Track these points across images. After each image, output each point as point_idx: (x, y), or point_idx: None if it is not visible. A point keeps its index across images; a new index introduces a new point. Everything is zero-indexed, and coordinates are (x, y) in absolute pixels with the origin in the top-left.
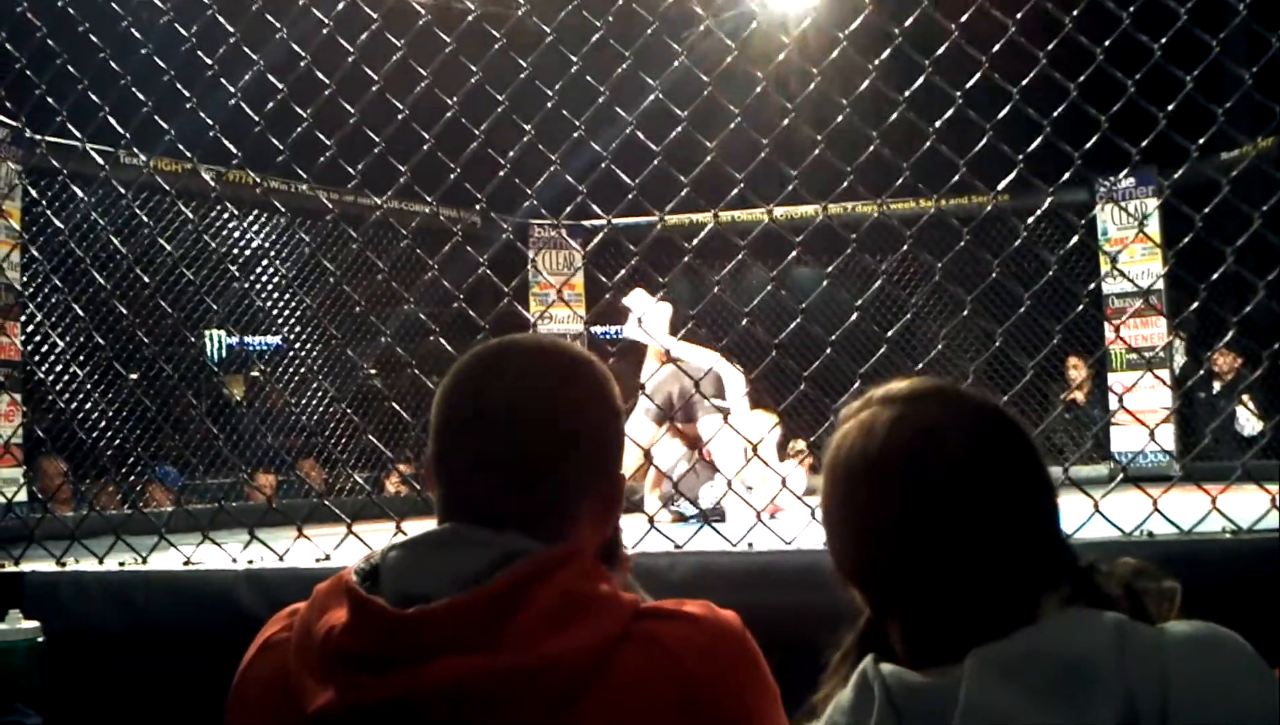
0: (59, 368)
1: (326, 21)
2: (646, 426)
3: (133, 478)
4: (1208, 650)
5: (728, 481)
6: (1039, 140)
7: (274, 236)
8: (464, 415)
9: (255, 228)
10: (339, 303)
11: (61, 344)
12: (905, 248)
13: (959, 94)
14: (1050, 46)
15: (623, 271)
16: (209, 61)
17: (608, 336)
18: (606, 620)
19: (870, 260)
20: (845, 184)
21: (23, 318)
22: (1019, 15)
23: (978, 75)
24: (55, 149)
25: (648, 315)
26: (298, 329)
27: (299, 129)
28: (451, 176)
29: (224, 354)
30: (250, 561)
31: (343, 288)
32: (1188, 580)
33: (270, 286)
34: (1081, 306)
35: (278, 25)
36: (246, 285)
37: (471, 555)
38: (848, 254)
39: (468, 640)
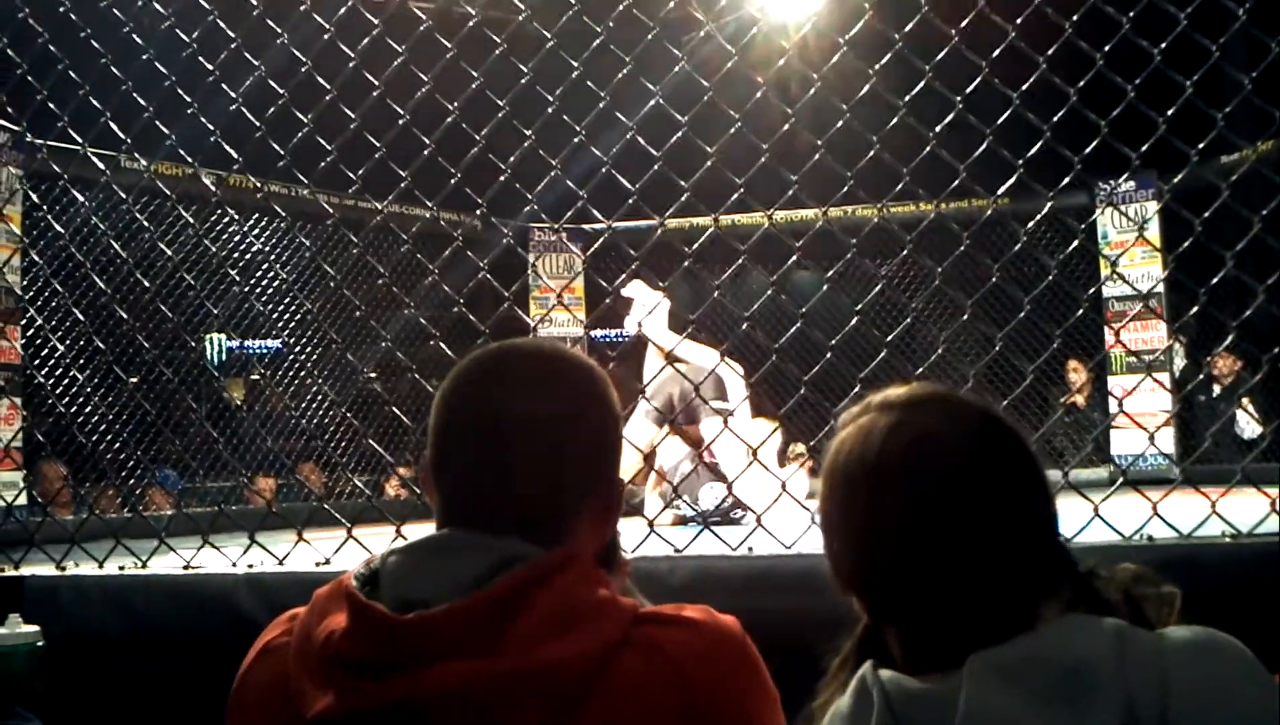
0: (59, 372)
1: (327, 26)
2: (647, 428)
3: (133, 481)
4: (1207, 655)
5: (728, 485)
6: (1039, 145)
7: (275, 241)
8: (463, 419)
9: (256, 232)
10: (339, 307)
11: (62, 348)
12: (905, 252)
13: (959, 98)
14: (1050, 51)
15: (623, 276)
16: (210, 67)
17: (607, 340)
18: (606, 625)
19: (870, 264)
20: (845, 188)
21: (23, 322)
22: (1019, 20)
23: (978, 80)
24: (56, 153)
25: (648, 315)
26: (298, 333)
27: (300, 134)
28: (452, 181)
29: (224, 358)
30: (250, 565)
31: (343, 292)
32: (1187, 584)
33: (271, 290)
34: (1081, 310)
35: (279, 30)
36: (247, 289)
37: (471, 560)
38: (848, 258)
39: (467, 645)
